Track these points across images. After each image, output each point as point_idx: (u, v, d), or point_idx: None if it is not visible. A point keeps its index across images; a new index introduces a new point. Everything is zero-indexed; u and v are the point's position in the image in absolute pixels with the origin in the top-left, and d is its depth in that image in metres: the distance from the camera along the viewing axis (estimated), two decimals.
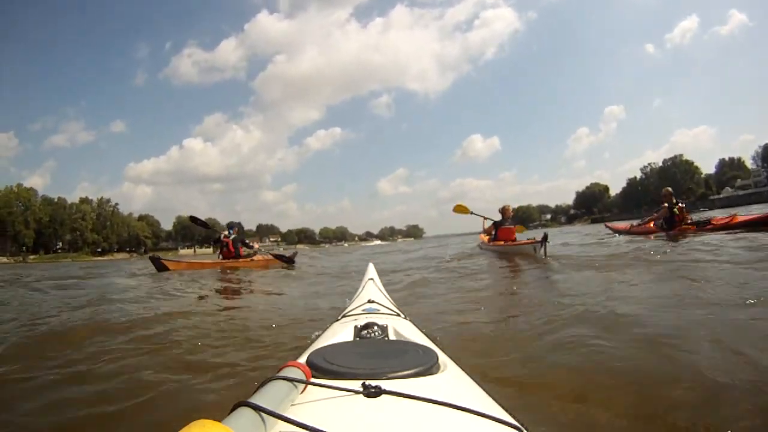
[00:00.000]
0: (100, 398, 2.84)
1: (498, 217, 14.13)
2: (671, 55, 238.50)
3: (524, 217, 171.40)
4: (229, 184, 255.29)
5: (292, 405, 1.28)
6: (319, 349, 1.81)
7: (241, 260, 14.81)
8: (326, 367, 1.55)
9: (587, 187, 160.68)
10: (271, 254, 16.14)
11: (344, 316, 2.74)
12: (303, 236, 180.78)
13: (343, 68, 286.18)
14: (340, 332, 2.28)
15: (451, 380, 1.58)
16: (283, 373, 1.35)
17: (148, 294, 8.15)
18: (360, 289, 3.99)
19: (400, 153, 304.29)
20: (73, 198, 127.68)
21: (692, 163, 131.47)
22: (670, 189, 15.09)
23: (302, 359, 1.69)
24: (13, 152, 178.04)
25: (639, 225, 16.55)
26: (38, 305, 7.19)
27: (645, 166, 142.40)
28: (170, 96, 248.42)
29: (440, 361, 1.70)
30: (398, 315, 2.79)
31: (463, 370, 1.81)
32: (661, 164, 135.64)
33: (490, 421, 1.20)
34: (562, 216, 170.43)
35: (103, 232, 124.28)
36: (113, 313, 5.60)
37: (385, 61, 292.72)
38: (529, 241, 11.17)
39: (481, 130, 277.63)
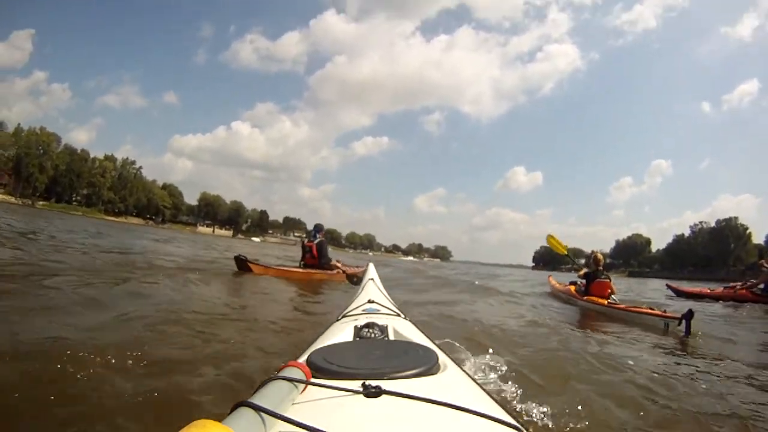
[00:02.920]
0: None
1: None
2: (727, 116, 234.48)
3: (558, 258, 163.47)
4: (269, 173, 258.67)
5: (292, 405, 1.29)
6: (319, 349, 1.84)
7: (327, 271, 12.60)
8: (326, 367, 1.57)
9: (629, 237, 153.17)
10: (344, 269, 13.12)
11: (344, 316, 2.83)
12: (329, 237, 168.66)
13: (401, 79, 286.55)
14: (340, 332, 2.32)
15: (451, 380, 1.60)
16: (283, 373, 1.37)
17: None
18: (360, 290, 4.06)
19: (442, 172, 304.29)
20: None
21: (747, 228, 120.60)
22: None
23: (302, 359, 1.71)
24: (65, 104, 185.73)
25: (727, 289, 14.41)
26: None
27: (695, 224, 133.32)
28: (227, 77, 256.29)
29: (440, 361, 1.71)
30: (398, 315, 2.84)
31: (463, 370, 1.83)
32: (713, 225, 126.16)
33: (490, 421, 1.22)
34: None
35: (121, 192, 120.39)
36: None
37: (443, 79, 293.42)
38: (659, 313, 8.81)
39: (525, 163, 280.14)
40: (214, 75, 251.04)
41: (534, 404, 2.86)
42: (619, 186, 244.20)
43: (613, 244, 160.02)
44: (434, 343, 2.22)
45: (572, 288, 12.59)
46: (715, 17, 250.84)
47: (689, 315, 8.05)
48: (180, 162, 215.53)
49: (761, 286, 13.01)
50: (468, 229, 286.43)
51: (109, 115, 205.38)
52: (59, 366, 2.97)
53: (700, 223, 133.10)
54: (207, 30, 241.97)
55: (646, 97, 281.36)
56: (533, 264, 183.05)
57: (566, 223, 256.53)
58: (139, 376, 2.98)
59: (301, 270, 12.36)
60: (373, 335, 2.19)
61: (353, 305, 3.23)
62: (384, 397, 1.28)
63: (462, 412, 1.21)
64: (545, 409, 2.83)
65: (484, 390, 1.63)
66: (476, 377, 2.14)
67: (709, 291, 14.69)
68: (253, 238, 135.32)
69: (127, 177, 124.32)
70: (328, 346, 1.87)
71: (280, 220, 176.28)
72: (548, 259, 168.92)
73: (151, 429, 2.36)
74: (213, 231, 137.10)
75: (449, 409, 1.21)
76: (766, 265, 13.12)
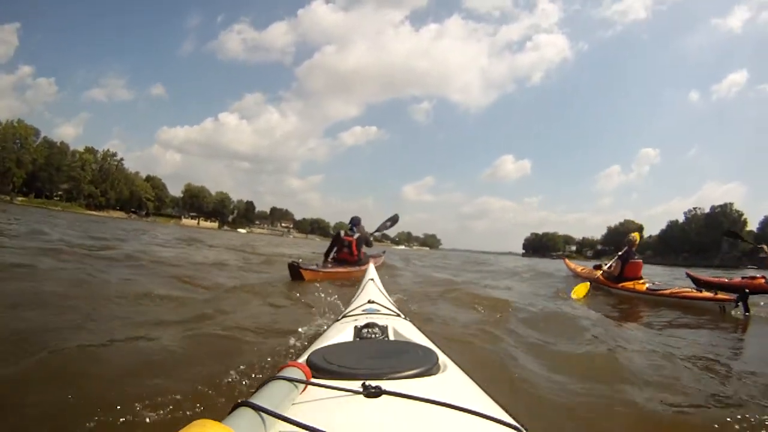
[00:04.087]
0: None
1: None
2: (715, 106, 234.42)
3: (549, 245, 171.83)
4: (257, 165, 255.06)
5: (292, 405, 1.30)
6: (319, 349, 1.85)
7: (362, 267, 10.98)
8: (326, 367, 1.59)
9: (620, 224, 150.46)
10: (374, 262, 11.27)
11: (344, 317, 2.82)
12: (317, 227, 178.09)
13: (390, 69, 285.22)
14: (341, 332, 2.33)
15: (451, 380, 1.62)
16: (283, 373, 1.38)
17: None
18: (360, 290, 4.07)
19: (430, 161, 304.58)
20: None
21: (742, 214, 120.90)
22: None
23: (302, 359, 1.73)
24: (51, 98, 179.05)
25: (746, 279, 11.84)
26: None
27: (689, 210, 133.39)
28: (214, 68, 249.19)
29: (440, 361, 1.73)
30: (398, 315, 2.84)
31: (463, 370, 1.84)
32: (708, 211, 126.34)
33: (490, 421, 1.23)
34: (588, 249, 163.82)
35: (102, 186, 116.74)
36: None
37: (432, 68, 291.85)
38: (714, 296, 8.56)
39: (513, 152, 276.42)
40: (201, 66, 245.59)
41: None
42: (607, 174, 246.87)
43: (604, 231, 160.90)
44: (434, 344, 2.22)
45: (598, 273, 11.99)
46: (706, 9, 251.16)
47: (745, 295, 8.14)
48: (168, 154, 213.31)
49: None
50: (457, 218, 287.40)
51: (95, 108, 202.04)
52: None
53: (695, 209, 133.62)
54: (194, 20, 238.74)
55: (634, 87, 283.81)
56: (523, 251, 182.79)
57: (554, 211, 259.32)
58: None
59: (343, 270, 10.96)
60: (373, 335, 2.21)
61: (353, 305, 3.24)
62: (384, 397, 1.28)
63: (462, 413, 1.22)
64: None
65: (484, 390, 1.64)
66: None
67: (728, 281, 12.80)
68: (239, 230, 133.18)
69: (108, 170, 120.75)
70: (328, 346, 1.87)
71: (268, 211, 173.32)
72: (538, 246, 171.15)
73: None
74: (198, 223, 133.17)
75: (449, 409, 1.22)
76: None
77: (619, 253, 11.22)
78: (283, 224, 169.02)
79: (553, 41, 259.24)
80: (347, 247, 11.40)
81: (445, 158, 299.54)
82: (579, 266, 14.78)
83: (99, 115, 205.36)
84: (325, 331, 2.66)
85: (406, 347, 1.89)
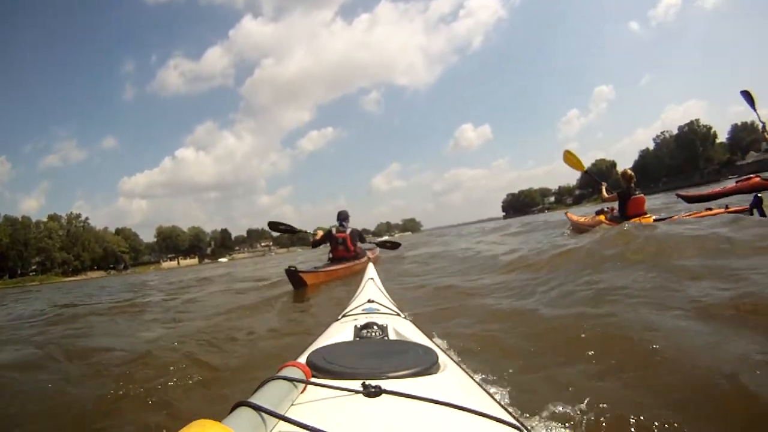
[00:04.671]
0: None
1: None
2: (656, 31, 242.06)
3: (527, 201, 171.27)
4: (224, 192, 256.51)
5: (292, 405, 1.29)
6: (318, 348, 1.82)
7: (361, 260, 11.26)
8: (326, 367, 1.56)
9: (593, 164, 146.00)
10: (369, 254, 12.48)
11: (344, 316, 2.80)
12: (296, 238, 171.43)
13: (332, 67, 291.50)
14: (340, 332, 2.32)
15: (451, 380, 1.60)
16: (282, 373, 1.38)
17: None
18: (360, 289, 3.99)
19: (392, 148, 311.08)
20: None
21: (711, 128, 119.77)
22: None
23: (302, 359, 1.71)
24: (6, 176, 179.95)
25: (741, 182, 12.28)
26: None
27: (658, 135, 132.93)
28: (159, 108, 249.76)
29: (440, 361, 1.72)
30: (398, 315, 2.83)
31: (463, 370, 1.84)
32: (676, 132, 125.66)
33: (490, 420, 1.22)
34: (568, 197, 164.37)
35: (73, 250, 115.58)
36: None
37: (373, 58, 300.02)
38: (726, 210, 8.65)
39: (471, 120, 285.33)
40: (146, 108, 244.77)
41: None
42: (567, 120, 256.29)
43: (578, 175, 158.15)
44: (434, 343, 2.23)
45: (602, 217, 11.75)
46: None
47: (758, 201, 8.18)
48: (134, 203, 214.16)
49: None
50: (431, 196, 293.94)
51: (53, 175, 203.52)
52: None
53: (662, 132, 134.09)
54: (128, 65, 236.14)
55: (573, 30, 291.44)
56: (504, 213, 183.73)
57: (525, 167, 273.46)
58: None
59: (342, 266, 10.72)
60: (373, 335, 2.20)
61: (353, 305, 3.23)
62: (384, 396, 1.28)
63: (462, 412, 1.22)
64: None
65: (484, 389, 1.65)
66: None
67: (720, 189, 13.37)
68: (221, 259, 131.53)
69: (76, 233, 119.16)
70: (328, 346, 1.86)
71: (245, 234, 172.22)
72: (517, 205, 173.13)
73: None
74: (178, 263, 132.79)
75: (449, 408, 1.22)
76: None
77: (616, 192, 11.00)
78: (262, 244, 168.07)
79: (485, 3, 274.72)
80: (342, 244, 11.24)
81: (405, 142, 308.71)
82: (581, 217, 14.45)
83: (59, 181, 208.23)
84: (324, 330, 2.62)
85: (406, 347, 1.87)
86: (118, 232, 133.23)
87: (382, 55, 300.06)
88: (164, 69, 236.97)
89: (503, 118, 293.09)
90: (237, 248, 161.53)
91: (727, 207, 8.63)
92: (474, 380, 1.74)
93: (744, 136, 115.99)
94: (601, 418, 2.25)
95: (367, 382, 1.33)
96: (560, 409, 2.36)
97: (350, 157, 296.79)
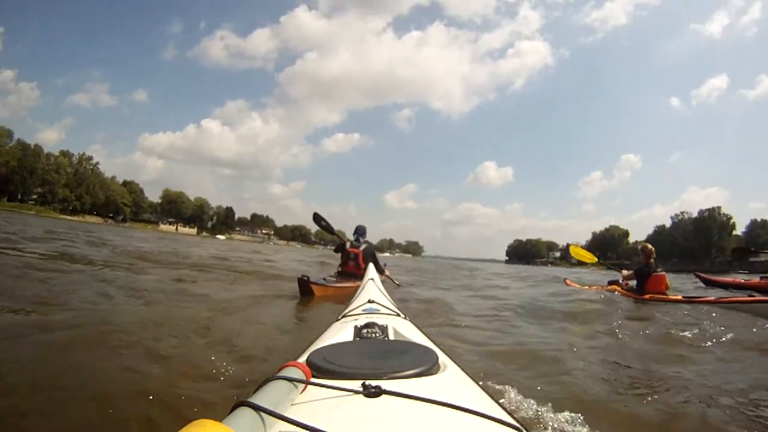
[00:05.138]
0: None
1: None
2: (696, 111, 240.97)
3: (533, 251, 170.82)
4: (240, 172, 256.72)
5: (292, 405, 1.31)
6: (319, 348, 1.86)
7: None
8: (326, 367, 1.59)
9: (606, 230, 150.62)
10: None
11: (344, 316, 2.85)
12: (298, 234, 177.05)
13: (372, 76, 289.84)
14: (340, 332, 2.35)
15: (451, 380, 1.63)
16: (283, 373, 1.39)
17: None
18: (360, 289, 4.23)
19: (413, 168, 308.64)
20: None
21: (731, 218, 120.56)
22: None
23: (302, 359, 1.73)
24: (33, 103, 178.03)
25: (765, 279, 13.10)
26: None
27: (677, 215, 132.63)
28: (197, 75, 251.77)
29: (440, 361, 1.74)
30: (398, 315, 2.87)
31: (463, 370, 1.86)
32: (695, 215, 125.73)
33: (490, 421, 1.23)
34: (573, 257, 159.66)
35: (77, 190, 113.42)
36: None
37: (414, 76, 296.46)
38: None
39: (496, 159, 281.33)
40: (184, 72, 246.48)
41: None
42: (589, 180, 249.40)
43: (589, 237, 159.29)
44: (434, 343, 2.22)
45: (616, 287, 10.61)
46: (686, 15, 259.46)
47: None
48: (150, 161, 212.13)
49: None
50: (440, 224, 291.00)
51: (78, 114, 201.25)
52: None
53: (682, 213, 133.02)
54: (177, 26, 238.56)
55: (615, 93, 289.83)
56: (507, 258, 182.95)
57: (537, 217, 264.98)
58: None
59: (352, 284, 9.59)
60: (373, 335, 2.21)
61: (353, 305, 3.27)
62: (384, 397, 1.29)
63: (462, 412, 1.22)
64: None
65: (484, 390, 1.66)
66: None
67: (743, 281, 13.83)
68: (219, 236, 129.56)
69: (84, 174, 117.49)
70: (328, 346, 1.88)
71: (248, 217, 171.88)
72: (522, 253, 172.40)
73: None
74: (176, 229, 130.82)
75: (449, 409, 1.23)
76: None
77: (635, 269, 10.20)
78: (263, 231, 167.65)
79: (535, 48, 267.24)
80: (353, 260, 10.60)
81: (427, 165, 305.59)
82: (585, 285, 12.95)
83: (82, 121, 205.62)
84: (325, 330, 2.58)
85: (406, 347, 1.88)
86: (125, 183, 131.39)
87: (423, 75, 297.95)
88: (210, 38, 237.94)
89: (527, 163, 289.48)
90: (238, 229, 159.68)
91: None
92: (474, 381, 1.74)
93: (762, 233, 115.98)
94: None
95: (367, 382, 1.33)
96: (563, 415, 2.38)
97: (370, 167, 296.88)
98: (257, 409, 1.06)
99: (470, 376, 1.79)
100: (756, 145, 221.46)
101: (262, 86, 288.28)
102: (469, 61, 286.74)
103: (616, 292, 10.22)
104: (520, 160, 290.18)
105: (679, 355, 4.97)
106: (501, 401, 1.58)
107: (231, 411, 1.06)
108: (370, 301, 3.22)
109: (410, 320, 2.78)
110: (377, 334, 2.22)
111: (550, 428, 2.34)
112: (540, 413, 2.85)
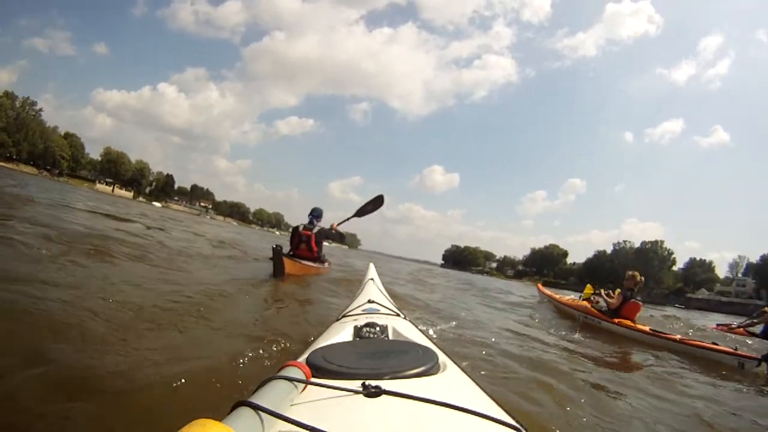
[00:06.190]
0: None
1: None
2: (647, 148, 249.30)
3: (469, 259, 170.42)
4: (188, 141, 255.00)
5: (292, 405, 1.30)
6: (318, 348, 1.85)
7: (324, 265, 10.70)
8: (326, 367, 1.58)
9: (545, 247, 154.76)
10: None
11: (344, 316, 2.85)
12: (236, 211, 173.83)
13: (336, 65, 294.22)
14: (340, 332, 2.34)
15: (451, 380, 1.63)
16: (282, 373, 1.38)
17: None
18: (360, 290, 4.17)
19: (361, 161, 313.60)
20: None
21: (672, 253, 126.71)
22: None
23: (302, 359, 1.73)
24: None
25: (721, 327, 13.98)
26: None
27: (619, 243, 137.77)
28: (162, 36, 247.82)
29: (440, 361, 1.73)
30: (398, 315, 2.88)
31: (463, 370, 1.86)
32: (638, 245, 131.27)
33: (490, 421, 1.23)
34: (509, 269, 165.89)
35: (15, 135, 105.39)
36: None
37: (377, 71, 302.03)
38: (734, 352, 7.85)
39: (444, 164, 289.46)
40: (149, 31, 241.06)
41: None
42: (533, 198, 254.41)
43: (527, 252, 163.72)
44: (434, 343, 2.22)
45: (587, 304, 10.95)
46: (655, 58, 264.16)
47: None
48: (100, 118, 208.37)
49: (761, 327, 12.64)
50: (379, 220, 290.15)
51: (35, 58, 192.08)
52: None
53: (624, 242, 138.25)
54: None
55: (572, 119, 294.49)
56: (442, 262, 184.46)
57: (476, 226, 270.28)
58: None
59: (313, 266, 10.10)
60: (373, 335, 2.21)
61: (353, 305, 3.27)
62: (384, 397, 1.28)
63: (462, 413, 1.22)
64: None
65: (484, 390, 1.65)
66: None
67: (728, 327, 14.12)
68: (155, 203, 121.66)
69: (25, 119, 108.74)
70: (328, 346, 1.88)
71: (188, 188, 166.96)
72: (458, 258, 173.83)
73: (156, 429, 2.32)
74: (113, 190, 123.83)
75: (449, 409, 1.22)
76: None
77: (619, 293, 10.22)
78: (201, 203, 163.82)
79: (502, 63, 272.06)
80: (305, 242, 10.40)
81: (376, 160, 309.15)
82: (563, 296, 13.69)
83: (37, 66, 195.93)
84: (325, 330, 2.59)
85: (406, 347, 1.87)
86: (66, 136, 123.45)
87: (386, 73, 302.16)
88: (182, 1, 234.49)
89: (474, 173, 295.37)
90: (176, 198, 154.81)
91: (735, 349, 7.97)
92: (474, 381, 1.73)
93: (699, 272, 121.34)
94: None
95: (367, 382, 1.33)
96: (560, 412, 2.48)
97: (319, 154, 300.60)
98: (257, 408, 1.06)
99: (470, 376, 1.77)
100: (697, 189, 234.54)
101: (225, 58, 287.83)
102: (435, 66, 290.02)
103: (586, 306, 10.79)
104: (468, 169, 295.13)
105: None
106: (501, 401, 1.50)
107: (231, 411, 1.06)
108: (369, 301, 3.20)
109: (410, 320, 2.80)
110: (377, 334, 2.20)
111: (550, 428, 2.45)
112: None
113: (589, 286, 11.76)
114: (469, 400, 1.34)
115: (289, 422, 1.07)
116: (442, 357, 1.84)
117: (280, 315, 5.24)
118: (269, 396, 1.19)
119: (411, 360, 1.63)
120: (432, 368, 1.60)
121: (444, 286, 17.61)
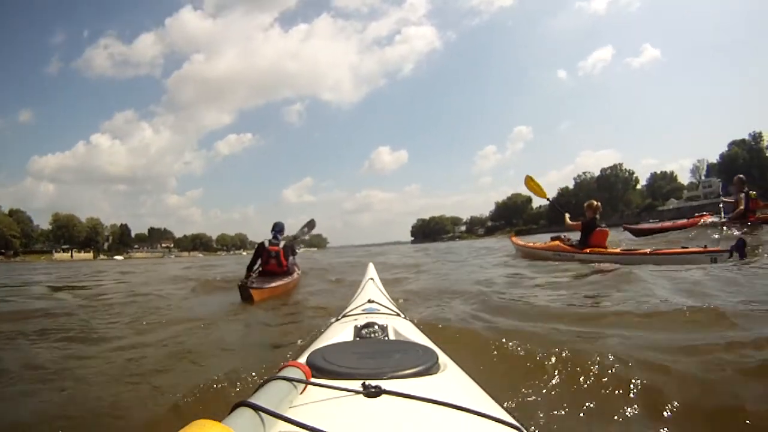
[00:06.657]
0: None
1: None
2: (583, 81, 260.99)
3: (437, 228, 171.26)
4: (134, 186, 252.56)
5: (292, 405, 1.30)
6: (318, 348, 1.84)
7: (293, 277, 10.53)
8: (326, 367, 1.58)
9: (508, 198, 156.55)
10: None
11: (344, 316, 2.82)
12: (198, 243, 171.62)
13: (260, 73, 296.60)
14: (340, 332, 2.34)
15: (451, 380, 1.62)
16: (282, 373, 1.39)
17: None
18: (360, 289, 4.12)
19: (308, 162, 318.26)
20: None
21: (633, 173, 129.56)
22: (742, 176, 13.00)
23: (302, 359, 1.73)
24: None
25: (692, 219, 14.22)
26: None
27: (579, 175, 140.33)
28: (82, 88, 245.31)
29: (440, 361, 1.73)
30: (398, 315, 2.87)
31: (463, 370, 1.84)
32: (598, 173, 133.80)
33: (490, 421, 1.23)
34: (480, 227, 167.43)
35: None
36: None
37: (302, 69, 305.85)
38: (705, 249, 8.32)
39: (390, 143, 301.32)
40: (69, 86, 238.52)
41: None
42: (484, 154, 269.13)
43: (492, 208, 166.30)
44: (434, 343, 2.20)
45: (559, 242, 11.48)
46: None
47: (742, 243, 7.87)
48: (42, 186, 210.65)
49: (724, 214, 13.10)
50: (340, 214, 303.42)
51: None
52: None
53: (584, 173, 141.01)
54: (59, 35, 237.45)
55: (503, 70, 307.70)
56: (412, 238, 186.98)
57: (436, 195, 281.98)
58: None
59: (282, 283, 9.86)
60: (373, 335, 2.20)
61: (353, 305, 3.26)
62: (384, 397, 1.29)
63: (462, 412, 1.22)
64: None
65: (484, 390, 1.64)
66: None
67: (671, 224, 15.05)
68: (116, 257, 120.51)
69: None
70: (328, 346, 1.86)
71: (146, 233, 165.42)
72: (427, 231, 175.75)
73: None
74: (71, 256, 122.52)
75: (449, 409, 1.22)
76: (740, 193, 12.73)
77: (580, 221, 10.78)
78: (163, 244, 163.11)
79: (422, 33, 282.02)
80: (274, 258, 10.34)
81: (321, 157, 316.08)
82: (530, 242, 14.31)
83: None
84: (324, 330, 2.63)
85: (406, 347, 1.87)
86: (11, 213, 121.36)
87: (311, 68, 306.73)
88: (94, 47, 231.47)
89: (422, 145, 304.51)
90: (136, 246, 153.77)
91: (705, 246, 8.40)
92: (474, 381, 1.72)
93: (663, 184, 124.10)
94: None
95: (367, 382, 1.33)
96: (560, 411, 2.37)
97: (265, 166, 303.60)
98: (257, 409, 1.06)
99: (470, 376, 1.76)
100: (641, 108, 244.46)
101: (150, 94, 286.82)
102: (357, 50, 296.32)
103: (557, 244, 11.41)
104: (414, 143, 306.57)
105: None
106: (501, 401, 1.50)
107: (231, 411, 1.06)
108: (369, 301, 3.17)
109: (410, 320, 2.79)
110: (377, 334, 2.19)
111: (550, 428, 2.28)
112: None
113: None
114: (470, 400, 1.33)
115: (289, 422, 1.06)
116: (443, 356, 1.83)
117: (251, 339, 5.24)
118: (269, 396, 1.18)
119: (411, 360, 1.62)
120: (432, 368, 1.59)
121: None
